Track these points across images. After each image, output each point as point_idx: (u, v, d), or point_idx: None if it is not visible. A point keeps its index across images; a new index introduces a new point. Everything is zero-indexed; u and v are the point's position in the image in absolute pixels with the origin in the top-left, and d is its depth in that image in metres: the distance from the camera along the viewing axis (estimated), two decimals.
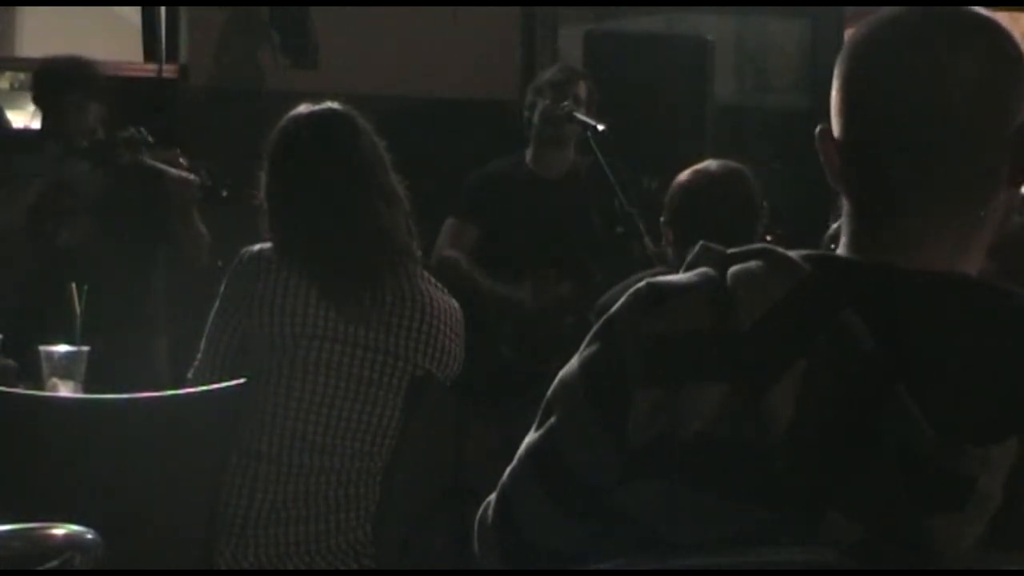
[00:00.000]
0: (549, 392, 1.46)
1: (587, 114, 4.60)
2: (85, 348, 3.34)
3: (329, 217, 3.03)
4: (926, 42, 1.39)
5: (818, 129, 1.45)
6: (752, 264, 1.36)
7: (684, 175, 3.51)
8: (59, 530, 2.09)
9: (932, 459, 1.27)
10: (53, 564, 2.07)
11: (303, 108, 3.14)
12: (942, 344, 1.32)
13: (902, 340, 1.31)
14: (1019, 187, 1.42)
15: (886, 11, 1.43)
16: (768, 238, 3.68)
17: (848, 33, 1.50)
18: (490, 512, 1.51)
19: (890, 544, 1.28)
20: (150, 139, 4.33)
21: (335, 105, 3.15)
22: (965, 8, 1.42)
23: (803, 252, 1.38)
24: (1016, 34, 1.43)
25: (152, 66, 5.53)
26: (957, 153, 1.38)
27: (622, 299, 1.41)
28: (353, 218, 3.04)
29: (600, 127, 4.51)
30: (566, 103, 4.61)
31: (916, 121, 1.38)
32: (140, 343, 4.33)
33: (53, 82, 4.40)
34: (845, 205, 1.44)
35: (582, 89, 4.70)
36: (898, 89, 1.38)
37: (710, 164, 3.53)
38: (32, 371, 3.38)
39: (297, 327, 2.99)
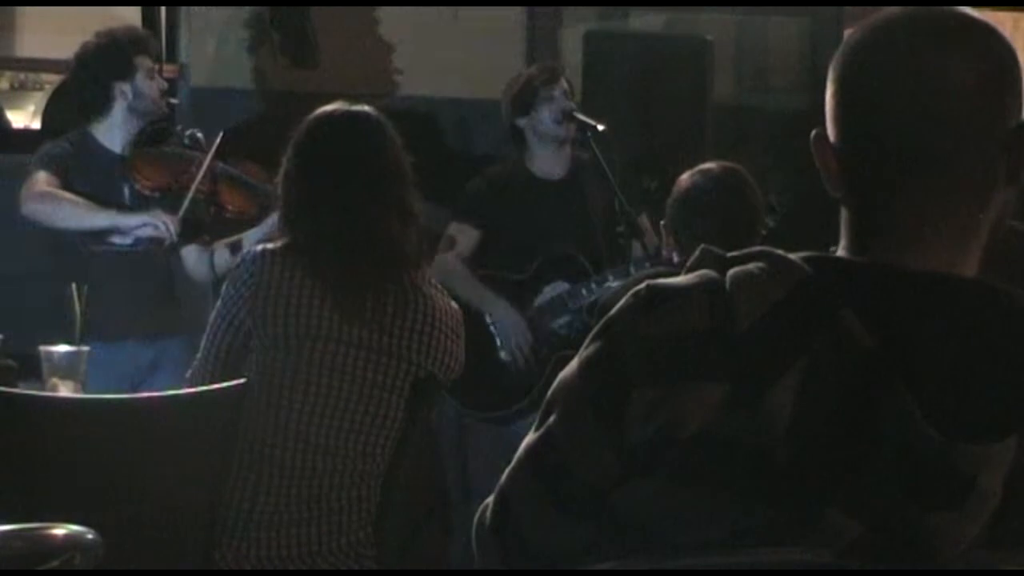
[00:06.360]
0: (549, 393, 1.46)
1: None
2: (85, 348, 3.33)
3: (340, 219, 3.01)
4: (920, 46, 1.39)
5: (813, 134, 1.45)
6: (752, 266, 1.37)
7: (685, 177, 3.50)
8: (59, 530, 2.09)
9: (932, 457, 1.28)
10: (53, 564, 2.07)
11: (338, 105, 3.11)
12: (941, 343, 1.32)
13: (901, 339, 1.31)
14: (1015, 186, 1.43)
15: (879, 15, 1.44)
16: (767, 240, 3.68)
17: (848, 33, 1.49)
18: (489, 513, 1.51)
19: (890, 542, 1.29)
20: (199, 135, 4.29)
21: (370, 109, 3.12)
22: (957, 10, 1.42)
23: (803, 254, 1.38)
24: (1018, 36, 1.43)
25: None
26: (954, 155, 1.38)
27: (622, 301, 1.41)
28: (365, 224, 3.01)
29: (600, 127, 4.51)
30: (564, 99, 4.61)
31: (913, 125, 1.38)
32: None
33: (124, 52, 4.20)
34: (843, 210, 1.44)
35: (563, 83, 4.70)
36: (894, 93, 1.39)
37: (711, 166, 3.52)
38: (32, 371, 3.38)
39: (301, 327, 2.98)
